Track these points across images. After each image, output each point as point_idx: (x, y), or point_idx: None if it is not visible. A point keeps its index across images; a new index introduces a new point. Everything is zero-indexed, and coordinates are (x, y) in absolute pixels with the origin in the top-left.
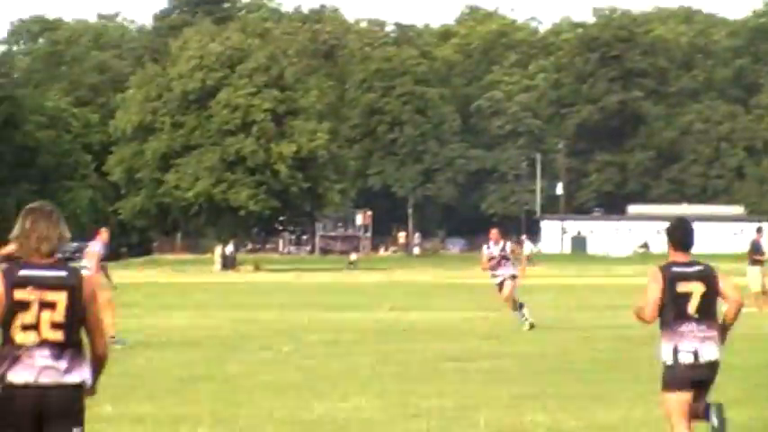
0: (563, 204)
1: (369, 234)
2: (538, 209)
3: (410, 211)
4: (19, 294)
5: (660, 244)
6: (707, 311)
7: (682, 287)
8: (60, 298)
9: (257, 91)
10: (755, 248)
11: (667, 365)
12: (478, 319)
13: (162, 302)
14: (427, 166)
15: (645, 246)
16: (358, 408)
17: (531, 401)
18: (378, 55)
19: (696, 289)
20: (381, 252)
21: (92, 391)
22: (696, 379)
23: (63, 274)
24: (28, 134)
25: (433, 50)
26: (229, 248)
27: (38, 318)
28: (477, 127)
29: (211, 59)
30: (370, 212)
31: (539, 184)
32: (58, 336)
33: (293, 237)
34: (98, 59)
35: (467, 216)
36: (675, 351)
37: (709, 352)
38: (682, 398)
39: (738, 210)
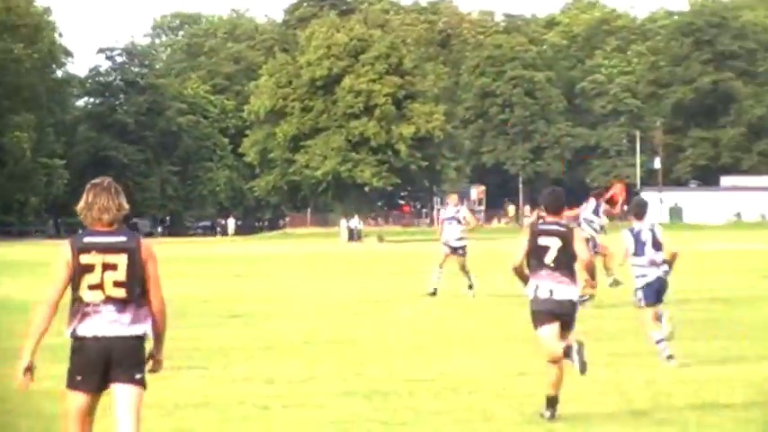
0: (661, 177)
1: (483, 207)
2: (638, 182)
3: (520, 186)
4: (84, 259)
5: (752, 213)
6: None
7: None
8: (121, 260)
9: (379, 77)
10: None
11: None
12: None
13: (292, 273)
14: (536, 144)
15: (738, 215)
16: (470, 367)
17: (629, 358)
18: (489, 42)
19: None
20: (494, 224)
21: (158, 351)
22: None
23: (123, 238)
24: (170, 120)
25: (539, 37)
26: (354, 222)
27: (101, 278)
28: (581, 107)
29: (337, 49)
30: (483, 188)
31: (638, 159)
32: (120, 293)
33: (414, 210)
34: (233, 50)
35: (572, 189)
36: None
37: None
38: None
39: None
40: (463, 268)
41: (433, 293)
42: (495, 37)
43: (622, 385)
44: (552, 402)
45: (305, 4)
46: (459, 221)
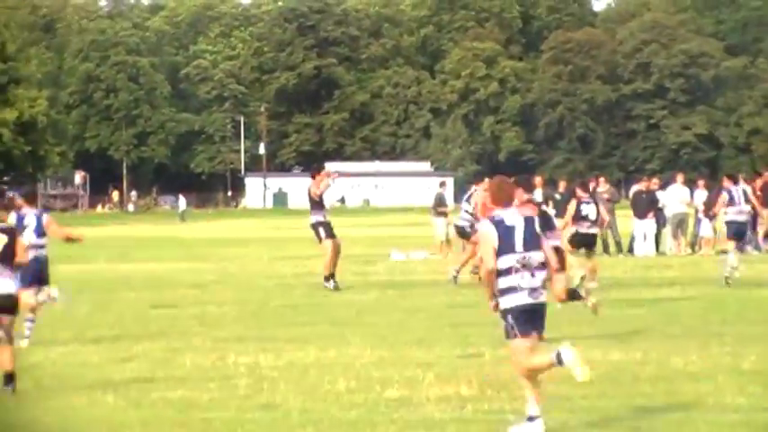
0: (265, 163)
1: (86, 193)
2: (242, 167)
3: (125, 171)
4: None
5: (356, 198)
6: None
7: None
8: None
9: None
10: (440, 201)
11: None
12: (185, 270)
13: None
14: (140, 130)
15: (342, 200)
16: (74, 352)
17: (233, 344)
18: (93, 27)
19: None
20: (99, 209)
21: None
22: None
23: None
24: None
25: (144, 23)
26: None
27: None
28: (185, 92)
29: None
30: (85, 173)
31: (242, 145)
32: None
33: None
34: None
35: (178, 174)
36: None
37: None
38: None
39: (425, 166)
40: None
41: None
42: (99, 22)
43: (226, 370)
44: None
45: None
46: None
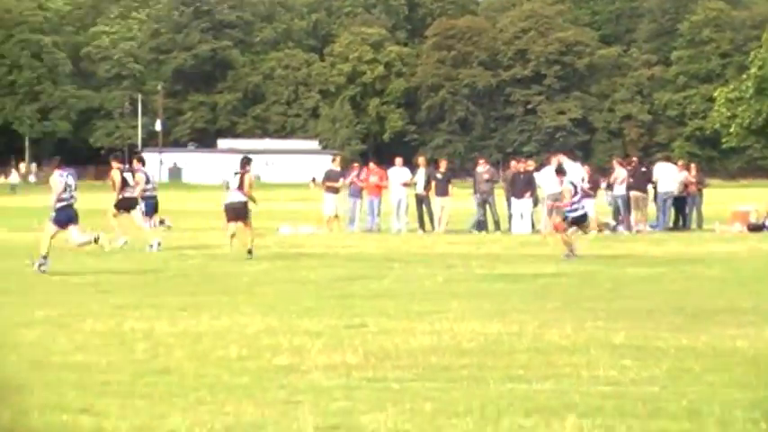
0: (161, 139)
1: None
2: (139, 142)
3: (27, 144)
4: None
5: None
6: None
7: None
8: None
9: None
10: (330, 177)
11: None
12: None
13: None
14: (43, 105)
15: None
16: None
17: (130, 311)
18: None
19: None
20: (1, 180)
21: None
22: None
23: None
24: None
25: (46, 3)
26: None
27: None
28: (86, 70)
29: None
30: None
31: (140, 121)
32: None
33: None
34: None
35: (78, 148)
36: None
37: None
38: None
39: (313, 144)
40: None
41: None
42: (4, 1)
43: (123, 336)
44: None
45: None
46: None
